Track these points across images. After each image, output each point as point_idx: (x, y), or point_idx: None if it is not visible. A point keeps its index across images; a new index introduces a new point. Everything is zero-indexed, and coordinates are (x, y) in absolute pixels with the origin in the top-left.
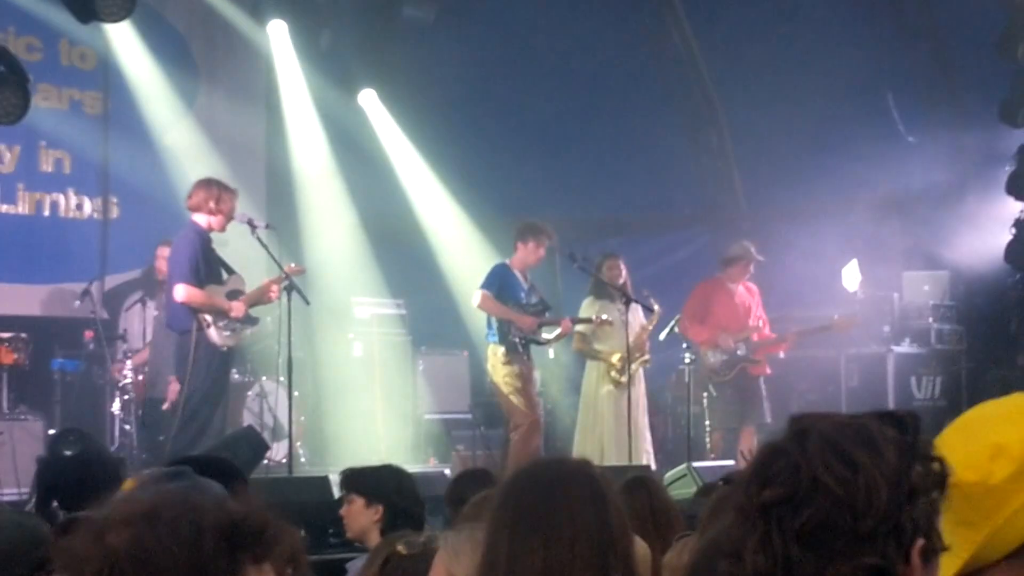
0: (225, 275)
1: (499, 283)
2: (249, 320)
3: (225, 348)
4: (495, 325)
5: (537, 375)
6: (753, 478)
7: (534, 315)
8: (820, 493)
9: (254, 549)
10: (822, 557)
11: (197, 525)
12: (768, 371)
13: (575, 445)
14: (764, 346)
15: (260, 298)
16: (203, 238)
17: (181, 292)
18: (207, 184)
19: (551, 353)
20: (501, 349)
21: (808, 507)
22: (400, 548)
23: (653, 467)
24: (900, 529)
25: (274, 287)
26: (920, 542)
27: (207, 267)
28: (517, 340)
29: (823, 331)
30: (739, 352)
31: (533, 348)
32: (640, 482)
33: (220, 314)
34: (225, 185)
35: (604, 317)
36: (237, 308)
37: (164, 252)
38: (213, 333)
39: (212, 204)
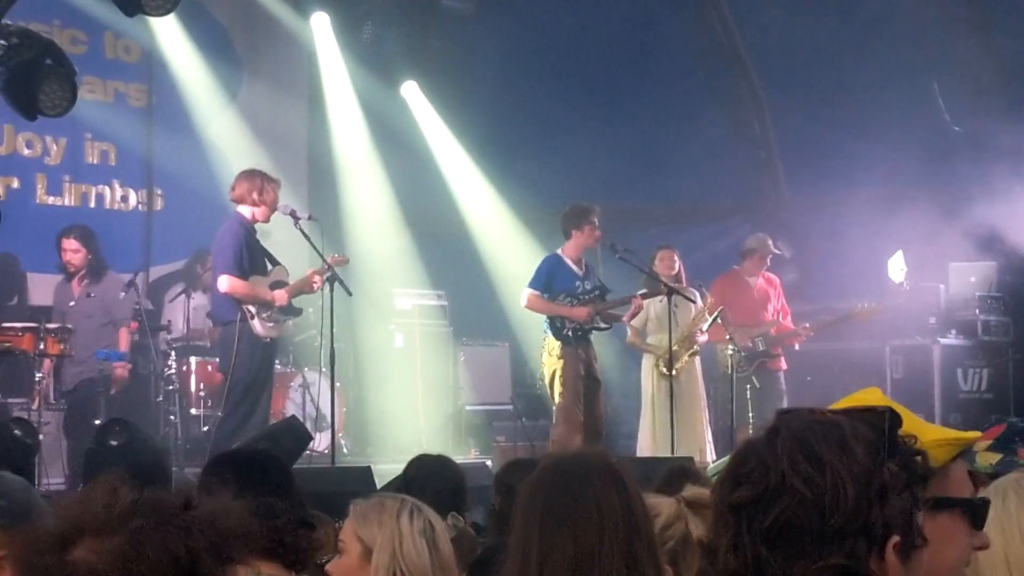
0: (269, 266)
1: (547, 277)
2: (292, 310)
3: (268, 339)
4: (548, 319)
5: (597, 366)
6: (727, 477)
7: (591, 302)
8: (787, 493)
9: (232, 551)
10: (789, 556)
11: (190, 546)
12: (785, 366)
13: (639, 439)
14: (783, 339)
15: (303, 288)
16: (247, 229)
17: (225, 283)
18: (250, 175)
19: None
20: (556, 344)
21: (775, 507)
22: None
23: (714, 458)
24: (869, 528)
25: (317, 277)
26: (895, 539)
27: (251, 258)
28: (571, 333)
29: (846, 320)
30: (759, 347)
31: (595, 336)
32: (680, 472)
33: (264, 305)
34: (268, 176)
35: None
36: (280, 298)
37: (71, 244)
38: (257, 324)
39: (255, 195)
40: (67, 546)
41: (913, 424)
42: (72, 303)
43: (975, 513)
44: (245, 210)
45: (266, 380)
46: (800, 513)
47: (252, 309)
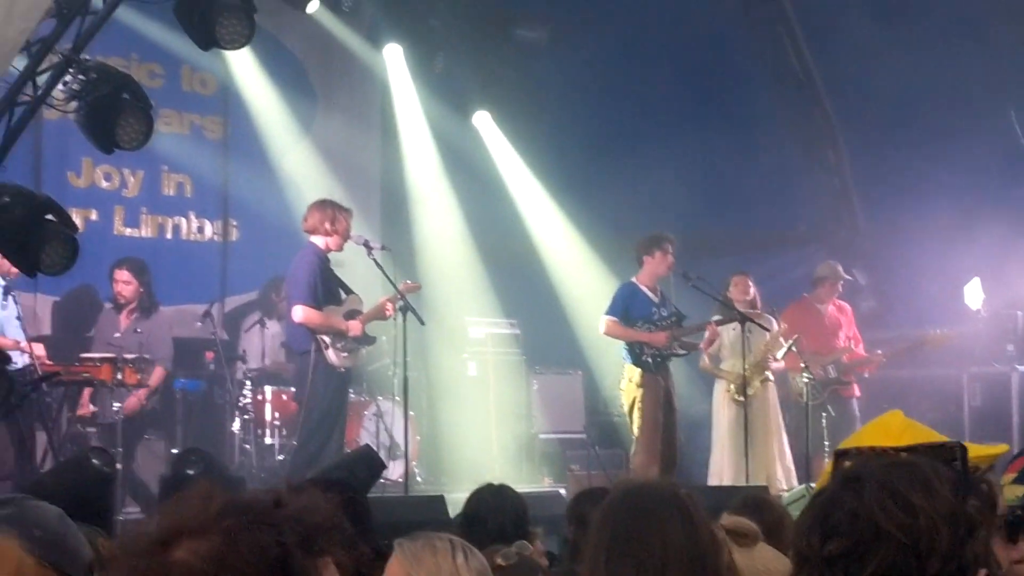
0: (343, 295)
1: (624, 304)
2: (366, 339)
3: (343, 369)
4: (627, 347)
5: (675, 394)
6: (813, 528)
7: (668, 328)
8: (883, 541)
9: (323, 545)
10: None
11: (281, 542)
12: (858, 393)
13: (710, 465)
14: (855, 366)
15: (376, 316)
16: (321, 259)
17: (299, 313)
18: (322, 205)
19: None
20: (637, 372)
21: (873, 556)
22: (499, 561)
23: (794, 486)
24: (965, 567)
25: (389, 304)
26: (982, 572)
27: (325, 288)
28: (650, 360)
29: (919, 347)
30: (831, 374)
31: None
32: (753, 503)
33: (338, 335)
34: (339, 205)
35: (716, 319)
36: (355, 328)
37: (123, 276)
38: (331, 355)
39: (328, 225)
40: (166, 548)
41: (931, 437)
42: (117, 335)
43: (1013, 527)
44: (319, 240)
45: (340, 409)
46: (899, 560)
47: (327, 339)
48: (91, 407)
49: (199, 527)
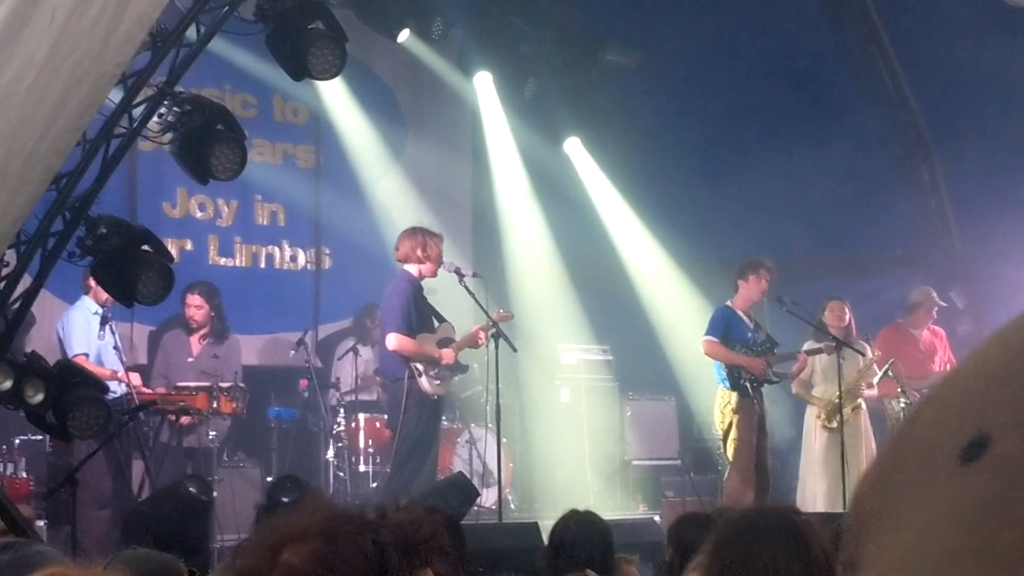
0: (436, 323)
1: (724, 327)
2: (458, 367)
3: (436, 396)
4: (726, 370)
5: (767, 420)
6: None
7: (764, 354)
8: None
9: (424, 556)
10: None
11: (378, 542)
12: None
13: (797, 491)
14: None
15: (469, 344)
16: (414, 287)
17: (392, 341)
18: (412, 233)
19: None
20: (734, 396)
21: None
22: None
23: None
24: None
25: (482, 333)
26: None
27: (419, 316)
28: (748, 384)
29: None
30: None
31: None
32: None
33: (431, 362)
34: (430, 231)
35: (822, 345)
36: (447, 356)
37: (195, 300)
38: (424, 382)
39: (419, 252)
40: (276, 553)
41: None
42: (191, 359)
43: None
44: (412, 268)
45: (433, 437)
46: None
47: (420, 367)
48: (187, 436)
49: (303, 532)
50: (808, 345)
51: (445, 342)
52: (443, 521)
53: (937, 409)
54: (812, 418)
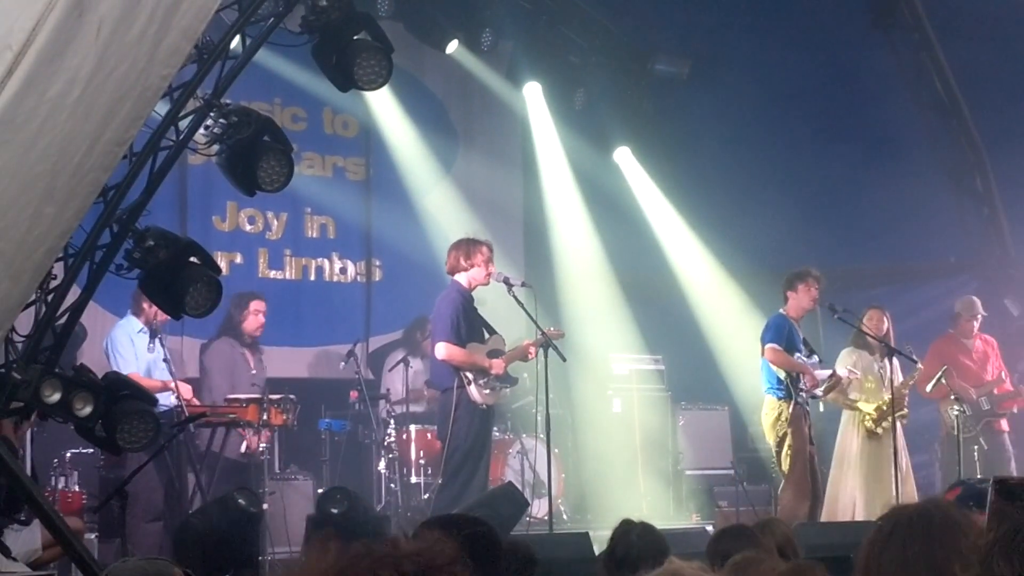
0: (486, 334)
1: (786, 334)
2: (508, 379)
3: (485, 406)
4: (784, 380)
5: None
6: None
7: (815, 365)
8: None
9: None
10: None
11: (402, 573)
12: (1007, 427)
13: (826, 497)
14: (1004, 399)
15: (518, 357)
16: (464, 297)
17: (442, 350)
18: (456, 245)
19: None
20: (785, 407)
21: None
22: None
23: None
24: None
25: (532, 348)
26: None
27: (468, 326)
28: (804, 394)
29: None
30: (984, 407)
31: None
32: None
33: (481, 372)
34: (474, 239)
35: (853, 372)
36: (497, 366)
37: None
38: (474, 391)
39: (463, 261)
40: None
41: None
42: (253, 371)
43: None
44: (461, 278)
45: (484, 447)
46: None
47: (469, 375)
48: (241, 448)
49: (324, 569)
50: (844, 353)
51: (495, 353)
52: (468, 536)
53: None
54: (850, 424)
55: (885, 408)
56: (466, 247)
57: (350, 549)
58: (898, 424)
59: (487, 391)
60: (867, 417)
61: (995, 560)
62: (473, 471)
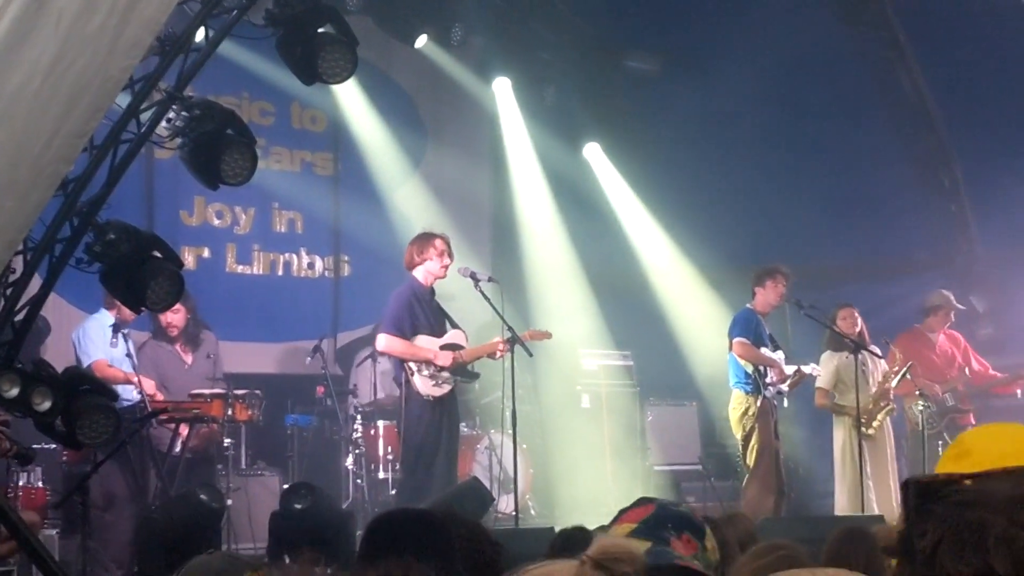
0: (449, 328)
1: (753, 328)
2: (465, 373)
3: (431, 398)
4: (752, 375)
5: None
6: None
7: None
8: None
9: None
10: None
11: None
12: (973, 422)
13: (836, 498)
14: (994, 385)
15: (483, 354)
16: (414, 291)
17: (381, 342)
18: (412, 242)
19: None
20: (753, 401)
21: None
22: None
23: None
24: None
25: (502, 346)
26: None
27: (415, 319)
28: (771, 388)
29: None
30: (948, 402)
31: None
32: (855, 534)
33: (425, 363)
34: (427, 233)
35: (816, 368)
36: (443, 358)
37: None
38: (418, 381)
39: (416, 256)
40: None
41: None
42: (187, 366)
43: None
44: (418, 272)
45: (438, 439)
46: None
47: (412, 367)
48: (200, 443)
49: None
50: (824, 357)
51: (452, 347)
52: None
53: None
54: (844, 429)
55: (872, 406)
56: (419, 242)
57: None
58: (887, 421)
59: (432, 383)
60: (863, 420)
61: (944, 559)
62: (430, 465)
